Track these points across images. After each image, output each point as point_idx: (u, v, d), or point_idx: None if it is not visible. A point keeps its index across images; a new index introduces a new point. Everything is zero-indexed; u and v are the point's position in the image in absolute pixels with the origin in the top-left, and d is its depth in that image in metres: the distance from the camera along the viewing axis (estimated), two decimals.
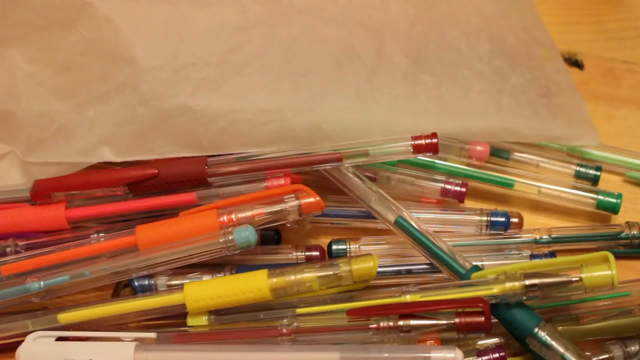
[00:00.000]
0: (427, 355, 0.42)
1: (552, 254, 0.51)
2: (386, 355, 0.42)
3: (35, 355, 0.44)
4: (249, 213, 0.47)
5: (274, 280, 0.45)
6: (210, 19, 0.50)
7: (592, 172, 0.55)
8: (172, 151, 0.49)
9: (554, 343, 0.43)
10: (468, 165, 0.54)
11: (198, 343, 0.45)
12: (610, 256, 0.44)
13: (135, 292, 0.48)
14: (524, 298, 0.44)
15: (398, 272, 0.50)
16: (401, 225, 0.49)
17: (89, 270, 0.46)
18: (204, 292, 0.46)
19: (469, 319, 0.43)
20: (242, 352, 0.44)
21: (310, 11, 0.51)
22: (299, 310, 0.46)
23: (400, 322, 0.44)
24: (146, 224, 0.48)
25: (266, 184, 0.49)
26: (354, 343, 0.44)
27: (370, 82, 0.51)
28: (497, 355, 0.45)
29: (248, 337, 0.45)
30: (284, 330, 0.45)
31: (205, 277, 0.49)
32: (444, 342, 0.44)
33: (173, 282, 0.49)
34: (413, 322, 0.44)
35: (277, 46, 0.50)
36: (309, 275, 0.46)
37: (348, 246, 0.51)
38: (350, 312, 0.44)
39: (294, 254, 0.51)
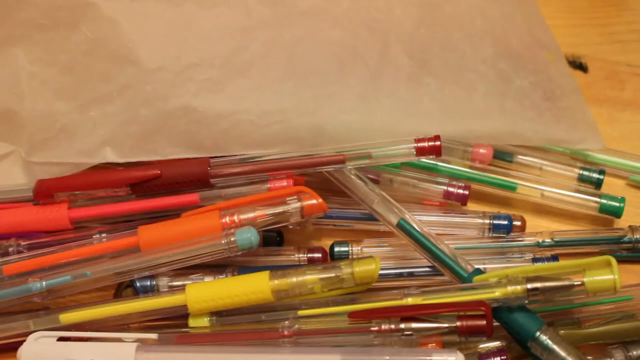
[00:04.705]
0: (428, 358, 0.42)
1: (555, 258, 0.50)
2: (387, 358, 0.42)
3: (36, 355, 0.44)
4: (251, 214, 0.47)
5: (276, 282, 0.45)
6: (214, 20, 0.50)
7: (595, 175, 0.55)
8: (174, 152, 0.49)
9: (555, 347, 0.43)
10: (471, 167, 0.54)
11: (199, 344, 0.45)
12: (613, 260, 0.44)
13: (137, 292, 0.48)
14: (526, 302, 0.44)
15: (400, 275, 0.50)
16: (403, 228, 0.48)
17: (91, 270, 0.47)
18: (206, 293, 0.46)
19: (470, 323, 0.43)
20: (243, 354, 0.44)
21: (314, 13, 0.51)
22: (301, 312, 0.46)
23: (402, 325, 0.44)
24: (148, 224, 0.48)
25: (269, 185, 0.49)
26: (356, 345, 0.44)
27: (373, 84, 0.51)
28: (498, 358, 0.45)
29: (249, 338, 0.45)
30: (286, 332, 0.45)
31: (207, 279, 0.49)
32: (446, 346, 0.44)
33: (175, 283, 0.49)
34: (415, 325, 0.44)
35: (280, 47, 0.50)
36: (311, 277, 0.46)
37: (350, 248, 0.51)
38: (351, 314, 0.44)
39: (296, 255, 0.51)
